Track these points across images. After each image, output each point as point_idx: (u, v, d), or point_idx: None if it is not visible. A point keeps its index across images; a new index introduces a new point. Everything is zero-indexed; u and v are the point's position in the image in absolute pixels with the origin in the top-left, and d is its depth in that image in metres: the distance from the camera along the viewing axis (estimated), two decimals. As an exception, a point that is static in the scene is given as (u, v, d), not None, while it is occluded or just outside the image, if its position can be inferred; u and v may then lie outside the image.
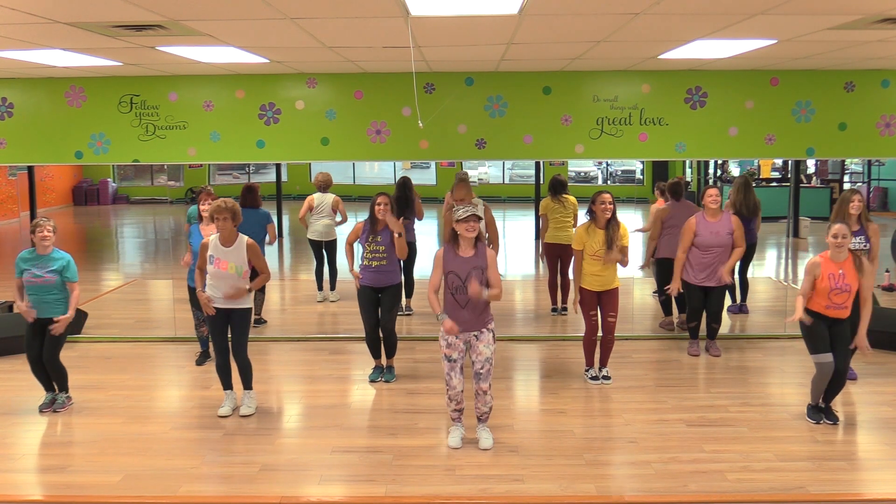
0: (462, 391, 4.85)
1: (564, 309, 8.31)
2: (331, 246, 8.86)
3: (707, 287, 6.68)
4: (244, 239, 5.35)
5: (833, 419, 5.25)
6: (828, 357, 5.08)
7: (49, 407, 5.58)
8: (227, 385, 5.57)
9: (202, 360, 6.70)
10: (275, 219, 8.65)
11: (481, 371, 4.69)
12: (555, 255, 8.11)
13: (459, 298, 4.66)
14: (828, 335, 5.10)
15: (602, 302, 6.07)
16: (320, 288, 9.21)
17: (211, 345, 6.73)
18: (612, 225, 5.88)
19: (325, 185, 8.74)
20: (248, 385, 5.59)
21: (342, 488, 4.40)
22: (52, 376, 5.56)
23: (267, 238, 7.57)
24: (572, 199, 8.12)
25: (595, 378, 6.13)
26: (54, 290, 5.38)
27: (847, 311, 5.10)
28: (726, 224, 6.60)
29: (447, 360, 4.78)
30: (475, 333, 4.72)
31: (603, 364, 6.19)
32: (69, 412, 5.56)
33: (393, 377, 6.23)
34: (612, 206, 5.86)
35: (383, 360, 6.32)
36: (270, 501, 4.21)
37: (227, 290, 5.28)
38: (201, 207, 6.45)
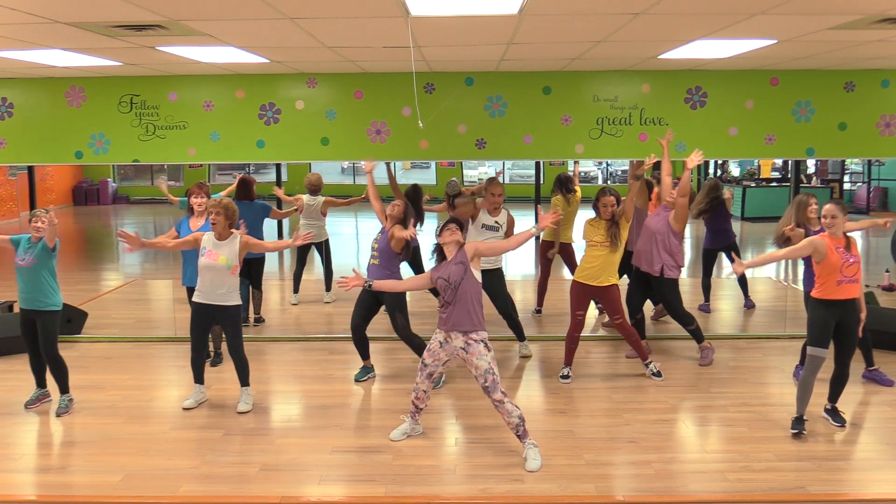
0: (426, 392, 4.95)
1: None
2: (323, 247, 8.76)
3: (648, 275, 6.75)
4: (237, 235, 5.46)
5: (840, 421, 5.17)
6: (824, 353, 4.93)
7: (35, 404, 5.60)
8: (198, 379, 5.67)
9: (214, 361, 6.69)
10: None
11: (486, 385, 4.65)
12: (564, 255, 8.09)
13: (448, 297, 4.77)
14: (832, 330, 4.95)
15: (603, 303, 6.21)
16: (296, 290, 9.13)
17: (211, 343, 6.77)
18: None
19: (316, 189, 8.59)
20: (245, 382, 5.61)
21: (342, 488, 4.40)
22: (51, 373, 5.52)
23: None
24: (579, 195, 8.12)
25: (566, 377, 6.19)
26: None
27: (858, 283, 4.94)
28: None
29: (421, 362, 4.93)
30: (462, 346, 4.72)
31: (643, 358, 6.27)
32: (69, 412, 5.56)
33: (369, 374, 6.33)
34: (613, 206, 6.07)
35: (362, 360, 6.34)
36: (270, 501, 4.21)
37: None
38: (192, 201, 6.39)
